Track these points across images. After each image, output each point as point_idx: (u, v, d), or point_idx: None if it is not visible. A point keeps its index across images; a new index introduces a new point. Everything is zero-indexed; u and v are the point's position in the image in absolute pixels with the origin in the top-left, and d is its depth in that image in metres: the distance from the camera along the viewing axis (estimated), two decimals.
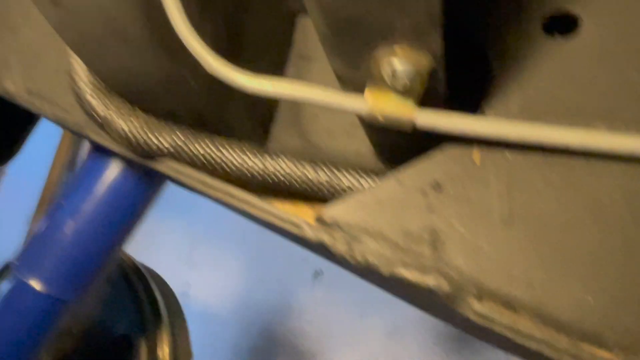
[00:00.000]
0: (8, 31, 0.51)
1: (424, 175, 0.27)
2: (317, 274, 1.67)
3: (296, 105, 0.45)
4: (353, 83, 0.27)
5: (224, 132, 0.39)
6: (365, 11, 0.21)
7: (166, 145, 0.35)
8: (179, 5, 0.27)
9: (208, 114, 0.37)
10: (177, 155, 0.36)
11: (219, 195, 0.34)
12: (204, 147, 0.36)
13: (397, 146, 0.33)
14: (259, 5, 0.41)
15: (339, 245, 0.27)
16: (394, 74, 0.23)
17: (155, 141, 0.35)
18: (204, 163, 0.36)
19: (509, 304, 0.25)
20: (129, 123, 0.34)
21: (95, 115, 0.33)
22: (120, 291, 0.69)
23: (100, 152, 0.49)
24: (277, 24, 0.45)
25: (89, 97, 0.32)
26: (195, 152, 0.36)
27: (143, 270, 0.71)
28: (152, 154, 0.36)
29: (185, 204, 1.22)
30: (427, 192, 0.27)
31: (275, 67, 0.45)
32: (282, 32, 0.46)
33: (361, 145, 0.42)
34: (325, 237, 0.28)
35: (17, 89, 0.48)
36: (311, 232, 0.28)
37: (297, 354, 1.48)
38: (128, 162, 0.48)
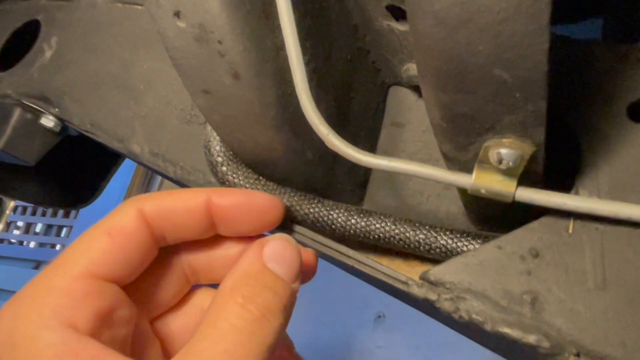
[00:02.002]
0: (132, 99, 0.59)
1: (522, 242, 0.30)
2: (379, 317, 1.67)
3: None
4: (459, 162, 0.31)
5: (329, 194, 0.44)
6: (478, 110, 0.26)
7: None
8: (309, 94, 0.32)
9: (317, 179, 0.42)
10: (290, 215, 0.41)
11: (329, 252, 0.38)
12: (314, 208, 0.41)
13: (491, 212, 0.37)
14: (360, 83, 0.47)
15: (444, 303, 0.31)
16: (499, 158, 0.27)
17: None
18: (313, 222, 0.41)
19: None
20: (254, 188, 0.39)
21: (226, 181, 0.39)
22: None
23: None
24: (374, 96, 0.50)
25: (223, 168, 0.38)
26: (307, 212, 0.41)
27: None
28: None
29: None
30: (526, 258, 0.30)
31: (372, 134, 0.50)
32: (377, 103, 0.51)
33: (451, 206, 0.45)
34: (431, 295, 0.32)
35: (142, 151, 0.56)
36: (418, 290, 0.32)
37: None
38: None
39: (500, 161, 0.27)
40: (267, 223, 0.36)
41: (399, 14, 0.43)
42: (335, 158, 0.43)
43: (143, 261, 0.33)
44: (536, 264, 0.30)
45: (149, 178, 2.48)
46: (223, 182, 0.39)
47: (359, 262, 0.36)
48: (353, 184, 0.47)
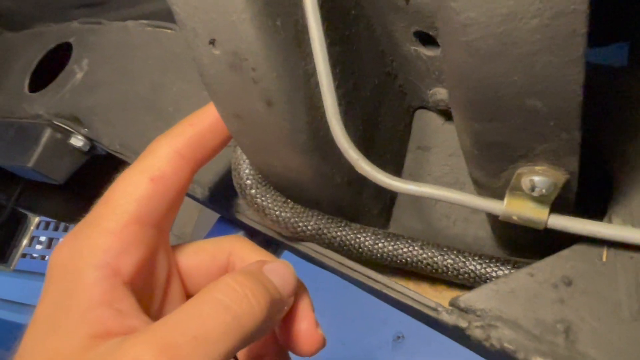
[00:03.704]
0: (161, 121, 0.60)
1: (555, 270, 0.30)
2: (398, 338, 1.65)
3: None
4: (490, 188, 0.31)
5: (356, 217, 0.44)
6: (511, 138, 0.26)
7: (310, 229, 0.40)
8: (339, 119, 0.33)
9: (345, 202, 0.42)
10: (317, 238, 0.41)
11: (357, 276, 0.38)
12: (341, 231, 0.41)
13: (521, 238, 0.37)
14: (387, 107, 0.47)
15: (475, 331, 0.31)
16: (532, 186, 0.27)
17: (302, 226, 0.40)
18: (340, 245, 0.41)
19: None
20: (282, 211, 0.39)
21: (255, 204, 0.39)
22: None
23: (225, 225, 0.55)
24: (400, 120, 0.51)
25: (251, 190, 0.39)
26: (334, 235, 0.41)
27: None
28: (297, 236, 0.41)
29: None
30: (559, 286, 0.30)
31: (398, 157, 0.50)
32: (403, 126, 0.51)
33: (479, 231, 0.45)
34: (461, 322, 0.32)
35: None
36: (448, 317, 0.32)
37: None
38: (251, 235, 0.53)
39: (532, 189, 0.27)
40: None
41: (426, 39, 0.43)
42: (363, 182, 0.43)
43: (181, 199, 0.35)
44: (569, 293, 0.30)
45: None
46: (251, 205, 0.39)
47: (387, 287, 0.36)
48: (379, 207, 0.47)
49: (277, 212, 0.39)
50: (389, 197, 0.49)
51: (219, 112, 0.35)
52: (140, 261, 0.32)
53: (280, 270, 0.34)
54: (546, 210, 0.29)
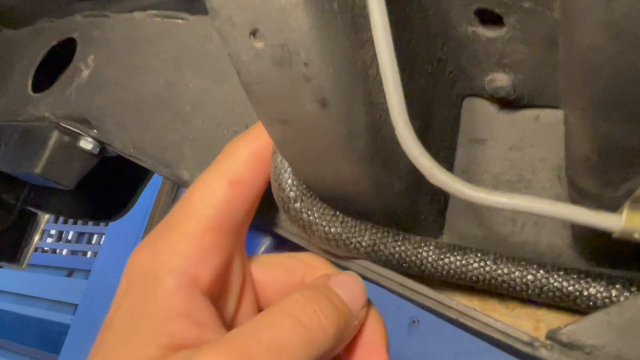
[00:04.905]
0: (179, 121, 0.55)
1: None
2: (413, 322, 1.62)
3: None
4: (601, 199, 0.25)
5: (410, 226, 0.39)
6: None
7: (364, 245, 0.35)
8: (407, 120, 0.27)
9: (401, 212, 0.37)
10: (373, 255, 0.35)
11: (425, 301, 0.33)
12: (400, 247, 0.35)
13: (623, 251, 0.31)
14: (439, 98, 0.41)
15: None
16: None
17: (355, 242, 0.34)
18: (399, 262, 0.36)
19: None
20: (332, 226, 0.34)
21: (300, 219, 0.34)
22: None
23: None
24: (450, 111, 0.45)
25: (296, 204, 0.33)
26: (392, 251, 0.35)
27: None
28: (349, 254, 0.35)
29: None
30: None
31: (449, 153, 0.44)
32: (453, 118, 0.45)
33: (553, 237, 0.40)
34: None
35: (192, 178, 0.51)
36: (548, 354, 0.27)
37: None
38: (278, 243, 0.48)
39: None
40: None
41: (487, 19, 0.37)
42: (420, 187, 0.37)
43: (256, 207, 0.35)
44: None
45: (176, 188, 2.47)
46: (296, 220, 0.34)
47: (466, 315, 0.31)
48: (435, 213, 0.41)
49: (326, 228, 0.34)
50: (444, 201, 0.43)
51: (260, 117, 0.29)
52: (219, 269, 0.31)
53: (348, 283, 0.33)
54: None
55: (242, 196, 0.33)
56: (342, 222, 0.34)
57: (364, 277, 0.36)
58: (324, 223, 0.34)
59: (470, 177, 0.45)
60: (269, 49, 0.25)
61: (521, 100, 0.43)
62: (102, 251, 2.45)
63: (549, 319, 0.38)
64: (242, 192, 0.33)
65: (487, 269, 0.34)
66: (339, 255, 0.36)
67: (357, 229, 0.35)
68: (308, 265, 0.35)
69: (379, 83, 0.27)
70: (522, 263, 0.35)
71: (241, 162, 0.33)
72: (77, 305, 2.41)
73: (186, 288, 0.29)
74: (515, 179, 0.43)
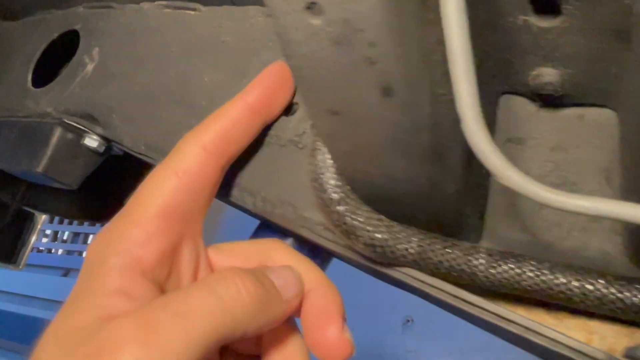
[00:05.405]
0: (194, 117, 0.51)
1: None
2: (407, 321, 1.61)
3: (513, 194, 0.41)
4: None
5: (455, 231, 0.36)
6: None
7: (412, 252, 0.32)
8: (479, 112, 0.24)
9: (449, 215, 0.34)
10: (421, 263, 0.32)
11: (486, 316, 0.30)
12: (450, 254, 0.32)
13: None
14: (480, 93, 0.38)
15: None
16: None
17: (402, 249, 0.31)
18: (448, 269, 0.33)
19: None
20: (377, 232, 0.31)
21: (343, 223, 0.30)
22: None
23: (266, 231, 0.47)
24: (488, 108, 0.42)
25: (339, 208, 0.30)
26: (441, 259, 0.32)
27: None
28: (394, 261, 0.32)
29: None
30: None
31: None
32: (491, 115, 0.42)
33: (605, 244, 0.37)
34: None
35: None
36: None
37: None
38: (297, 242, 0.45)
39: None
40: None
41: (542, 6, 0.34)
42: (468, 188, 0.34)
43: (211, 195, 0.37)
44: None
45: None
46: (338, 225, 0.31)
47: (532, 330, 0.27)
48: (477, 216, 0.38)
49: (371, 234, 0.31)
50: (484, 202, 0.40)
51: (308, 107, 0.26)
52: (163, 252, 0.33)
53: (282, 271, 0.34)
54: None
55: (189, 186, 0.35)
56: (388, 227, 0.31)
57: (408, 287, 0.33)
58: (369, 228, 0.31)
59: None
60: (328, 25, 0.21)
61: (567, 98, 0.40)
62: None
63: (602, 331, 0.36)
64: (189, 182, 0.35)
65: (544, 278, 0.31)
66: (381, 262, 0.33)
67: (404, 234, 0.32)
68: (268, 251, 0.36)
69: (443, 71, 0.24)
70: (579, 271, 0.32)
71: (189, 154, 0.35)
72: None
73: (127, 268, 0.31)
74: (560, 182, 0.40)
